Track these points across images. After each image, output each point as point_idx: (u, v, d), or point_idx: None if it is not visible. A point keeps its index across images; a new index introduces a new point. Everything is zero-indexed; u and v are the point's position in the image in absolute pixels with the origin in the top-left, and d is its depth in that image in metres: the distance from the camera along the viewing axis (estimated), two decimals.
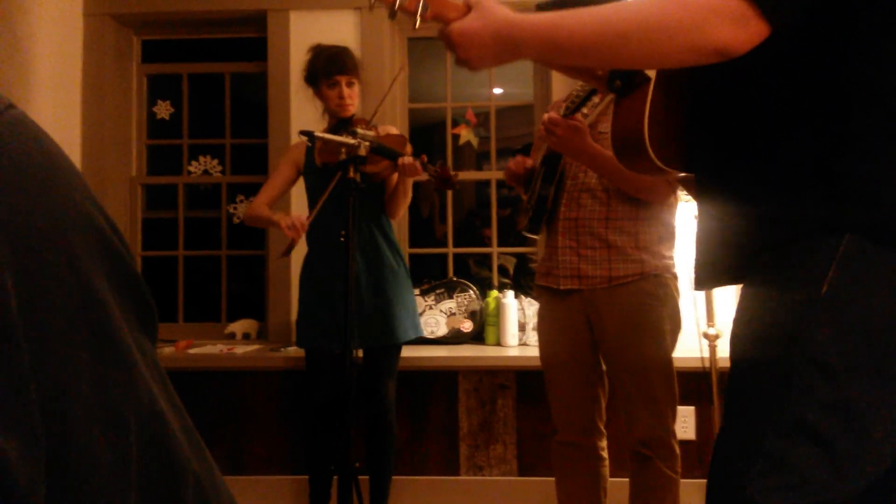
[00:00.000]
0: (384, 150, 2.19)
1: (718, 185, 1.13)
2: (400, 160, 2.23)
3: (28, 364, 0.30)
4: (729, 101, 1.12)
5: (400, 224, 3.24)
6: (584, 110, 1.92)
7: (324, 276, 2.44)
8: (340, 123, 2.42)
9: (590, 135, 1.96)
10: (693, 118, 1.21)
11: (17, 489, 0.28)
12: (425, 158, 2.22)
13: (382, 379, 2.43)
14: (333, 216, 2.39)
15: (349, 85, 2.41)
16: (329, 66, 2.40)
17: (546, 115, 1.93)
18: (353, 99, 2.43)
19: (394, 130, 2.52)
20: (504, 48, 1.14)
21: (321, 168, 2.41)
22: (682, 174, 1.23)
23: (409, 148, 2.33)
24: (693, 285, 1.29)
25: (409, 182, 2.42)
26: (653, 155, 1.18)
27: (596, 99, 1.90)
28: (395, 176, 2.42)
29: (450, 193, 3.33)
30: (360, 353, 2.30)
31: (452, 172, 2.23)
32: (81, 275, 0.33)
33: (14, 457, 0.28)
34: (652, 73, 1.19)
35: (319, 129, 2.36)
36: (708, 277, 1.22)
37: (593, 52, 1.05)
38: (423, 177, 2.27)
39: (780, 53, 0.99)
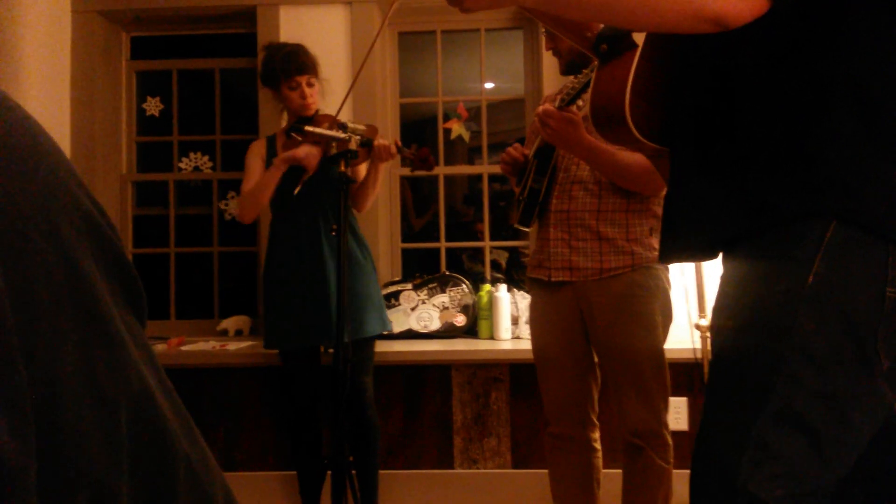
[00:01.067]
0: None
1: (698, 162, 1.14)
2: (375, 141, 2.22)
3: (17, 345, 0.29)
4: (714, 80, 1.12)
5: (392, 220, 3.24)
6: (580, 102, 1.92)
7: (292, 275, 2.43)
8: (302, 122, 2.41)
9: (584, 127, 1.96)
10: (676, 93, 1.20)
11: (7, 468, 0.28)
12: (399, 142, 2.23)
13: (358, 374, 2.42)
14: (299, 214, 2.39)
15: (309, 84, 2.41)
16: (287, 66, 2.38)
17: (541, 107, 1.92)
18: (314, 97, 2.43)
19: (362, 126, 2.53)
20: None
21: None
22: (658, 148, 1.22)
23: (379, 135, 2.31)
24: (658, 258, 1.29)
25: (380, 171, 2.40)
26: (632, 125, 1.17)
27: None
28: (364, 167, 2.43)
29: (442, 189, 3.33)
30: (332, 350, 2.29)
31: (425, 153, 2.20)
32: (68, 256, 0.33)
33: (5, 437, 0.28)
34: (639, 41, 1.18)
35: (279, 128, 2.35)
36: (675, 252, 1.22)
37: (594, 6, 1.05)
38: (395, 157, 2.25)
39: (771, 37, 1.00)
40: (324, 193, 2.38)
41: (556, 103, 1.92)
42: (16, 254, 0.31)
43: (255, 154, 2.57)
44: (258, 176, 2.51)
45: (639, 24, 1.09)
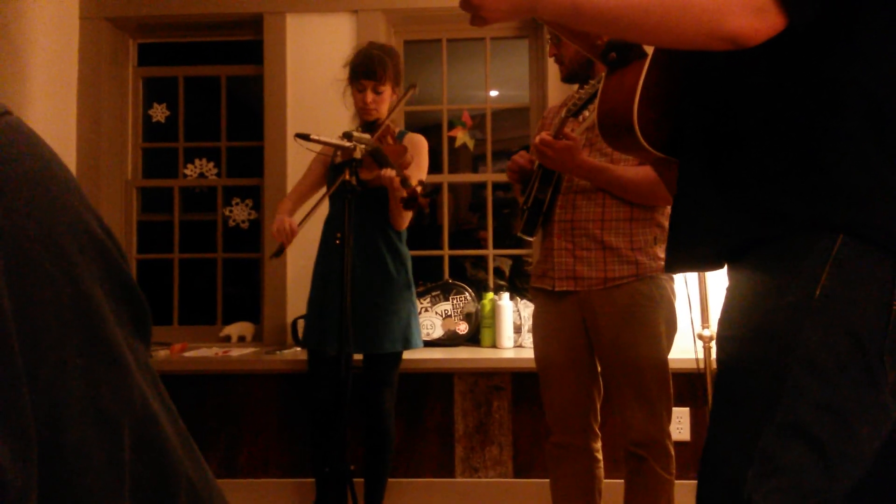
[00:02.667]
0: (377, 158, 2.18)
1: (706, 171, 1.13)
2: (383, 171, 2.20)
3: (21, 367, 0.30)
4: (725, 88, 1.12)
5: None
6: (586, 113, 1.93)
7: (326, 277, 2.44)
8: (365, 127, 2.42)
9: (586, 142, 1.98)
10: (686, 102, 1.20)
11: (9, 492, 0.28)
12: (408, 175, 2.18)
13: (378, 387, 2.41)
14: (335, 222, 2.39)
15: (376, 91, 2.40)
16: (358, 69, 2.40)
17: (538, 138, 1.94)
18: (377, 105, 2.41)
19: (419, 141, 2.49)
20: (522, 2, 1.13)
21: (335, 167, 2.41)
22: (665, 157, 1.21)
23: (406, 159, 2.28)
24: (664, 267, 1.29)
25: (395, 198, 2.32)
26: (639, 134, 1.16)
27: None
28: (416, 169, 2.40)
29: (445, 197, 3.34)
30: (359, 357, 2.27)
31: (420, 194, 2.15)
32: (75, 279, 0.33)
33: (7, 460, 0.28)
34: (649, 50, 1.17)
35: (352, 128, 2.34)
36: (683, 262, 1.22)
37: (613, 22, 1.05)
38: (403, 192, 2.18)
39: (781, 45, 0.99)
40: (359, 201, 2.35)
41: (563, 113, 1.93)
42: (23, 277, 0.31)
43: (318, 157, 2.56)
44: (309, 180, 2.56)
45: (655, 41, 1.09)
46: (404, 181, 2.15)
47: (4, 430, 0.29)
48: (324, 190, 2.46)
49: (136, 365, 0.36)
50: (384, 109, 2.44)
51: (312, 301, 2.50)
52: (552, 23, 1.24)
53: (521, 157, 2.11)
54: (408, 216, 2.44)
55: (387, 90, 2.43)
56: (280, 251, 2.33)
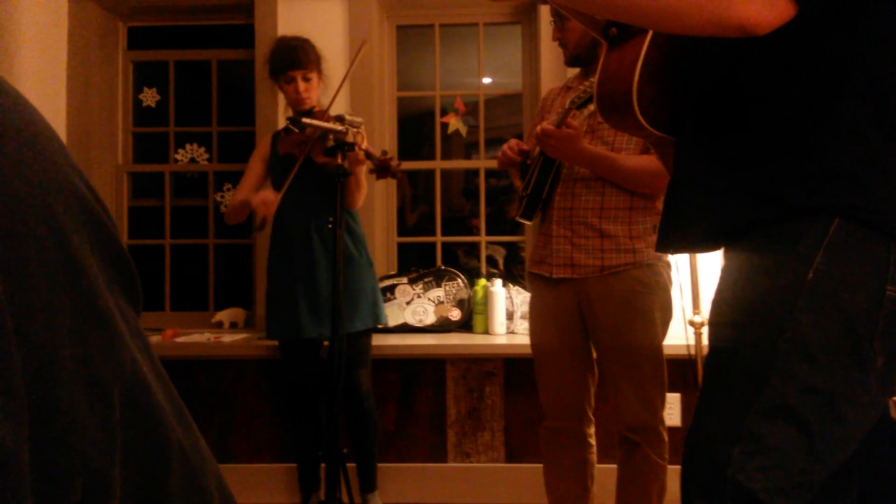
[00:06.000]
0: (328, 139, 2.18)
1: (705, 150, 1.12)
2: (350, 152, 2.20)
3: (10, 327, 0.29)
4: (725, 68, 1.11)
5: (388, 214, 3.24)
6: (591, 107, 1.92)
7: (285, 267, 2.45)
8: (302, 116, 2.41)
9: (588, 128, 1.98)
10: (686, 80, 1.19)
11: (0, 451, 0.28)
12: (369, 149, 2.21)
13: (353, 367, 2.44)
14: (294, 208, 2.40)
15: (305, 79, 2.42)
16: (283, 61, 2.41)
17: (539, 127, 1.93)
18: (309, 93, 2.44)
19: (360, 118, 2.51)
20: None
21: (282, 158, 2.41)
22: (664, 136, 1.20)
23: (360, 138, 2.27)
24: (655, 247, 1.28)
25: (360, 172, 2.36)
26: (638, 112, 1.15)
27: None
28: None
29: (438, 184, 3.33)
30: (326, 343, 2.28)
31: (394, 161, 2.17)
32: (63, 240, 0.33)
33: None
34: None
35: (283, 123, 2.34)
36: (676, 242, 1.21)
37: (621, 7, 1.04)
38: (368, 165, 2.23)
39: (786, 30, 0.99)
40: (313, 187, 2.38)
41: (567, 104, 1.91)
42: (11, 237, 0.30)
43: (257, 156, 2.59)
44: (251, 180, 2.54)
45: (662, 28, 1.08)
46: (368, 153, 2.17)
47: None
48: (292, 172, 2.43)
49: (125, 329, 0.36)
50: (315, 96, 2.46)
51: (276, 292, 2.48)
52: (560, 4, 1.22)
53: (510, 150, 2.09)
54: (363, 194, 2.44)
55: (314, 76, 2.45)
56: (263, 225, 2.32)
